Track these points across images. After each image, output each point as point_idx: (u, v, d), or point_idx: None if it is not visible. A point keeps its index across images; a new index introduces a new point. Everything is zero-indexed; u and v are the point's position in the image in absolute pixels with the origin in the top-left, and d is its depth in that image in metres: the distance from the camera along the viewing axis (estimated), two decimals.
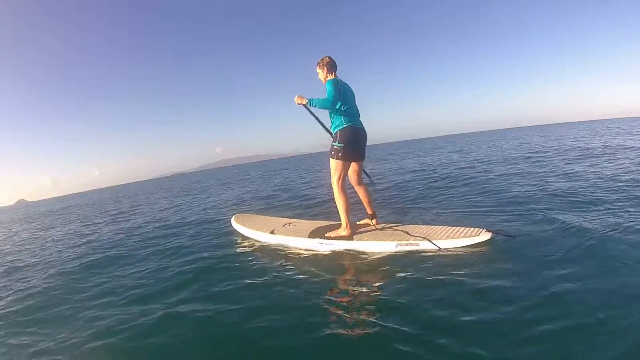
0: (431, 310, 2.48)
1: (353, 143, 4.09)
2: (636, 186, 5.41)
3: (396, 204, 6.40)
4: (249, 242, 4.97)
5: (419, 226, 4.23)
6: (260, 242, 4.83)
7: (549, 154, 12.07)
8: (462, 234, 3.68)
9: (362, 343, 2.28)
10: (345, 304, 2.79)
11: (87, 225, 10.72)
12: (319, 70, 4.26)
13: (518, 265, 3.00)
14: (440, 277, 2.95)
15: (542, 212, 4.53)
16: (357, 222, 4.66)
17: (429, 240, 3.66)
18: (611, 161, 8.52)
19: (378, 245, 3.86)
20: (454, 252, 3.47)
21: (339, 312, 2.67)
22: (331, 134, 4.27)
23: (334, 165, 4.13)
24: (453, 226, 3.99)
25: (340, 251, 3.99)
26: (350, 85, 4.21)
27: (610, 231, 3.53)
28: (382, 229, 4.31)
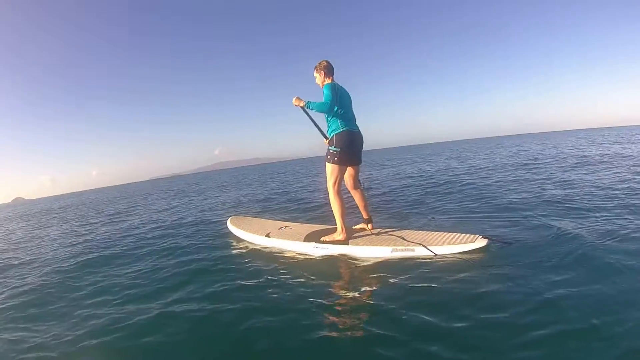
0: (424, 316, 2.47)
1: (349, 147, 4.10)
2: (632, 194, 5.44)
3: (392, 209, 6.41)
4: (244, 244, 4.96)
5: (415, 231, 4.22)
6: (255, 244, 4.83)
7: (546, 161, 12.12)
8: (458, 240, 3.68)
9: (354, 347, 2.28)
10: (338, 308, 2.79)
11: (84, 225, 10.70)
12: (316, 74, 4.27)
13: (513, 272, 3.00)
14: (434, 283, 2.95)
15: (538, 218, 4.56)
16: (353, 227, 4.66)
17: (424, 246, 3.65)
18: (608, 169, 8.56)
19: (373, 250, 3.85)
20: (450, 259, 3.47)
21: (332, 315, 2.67)
22: (326, 137, 4.28)
23: (330, 169, 4.13)
24: (449, 232, 3.99)
25: (335, 255, 3.99)
26: (347, 90, 4.22)
27: (605, 238, 3.55)
28: (377, 233, 4.30)
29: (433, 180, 9.96)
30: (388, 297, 2.83)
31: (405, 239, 3.90)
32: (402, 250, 3.72)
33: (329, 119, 4.13)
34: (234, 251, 4.73)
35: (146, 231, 7.38)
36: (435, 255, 3.56)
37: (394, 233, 4.20)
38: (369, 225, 4.47)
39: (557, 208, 5.08)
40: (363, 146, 4.31)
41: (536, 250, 3.44)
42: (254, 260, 4.20)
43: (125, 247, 5.94)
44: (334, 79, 4.24)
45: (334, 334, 2.42)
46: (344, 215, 4.18)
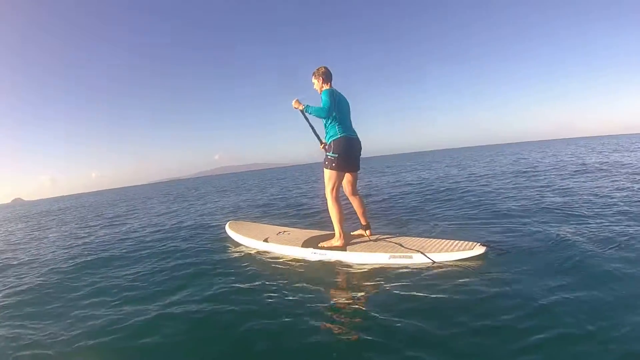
0: (421, 323, 2.47)
1: (347, 153, 4.11)
2: (630, 202, 5.48)
3: (391, 216, 6.42)
4: (242, 249, 4.97)
5: (413, 238, 4.22)
6: (254, 249, 4.83)
7: (546, 169, 12.18)
8: (457, 248, 3.68)
9: (349, 353, 2.29)
10: (335, 314, 2.80)
11: (83, 227, 10.69)
12: (314, 80, 4.30)
13: (511, 279, 3.00)
14: (432, 291, 2.95)
15: (537, 226, 4.59)
16: (351, 233, 4.66)
17: (422, 253, 3.65)
18: (607, 177, 8.63)
19: (371, 257, 3.84)
20: (448, 266, 3.47)
21: (328, 321, 2.67)
22: (321, 142, 4.31)
23: (328, 175, 4.14)
24: (447, 239, 3.99)
25: (333, 261, 3.99)
26: (345, 97, 4.23)
27: (603, 246, 3.59)
28: (375, 240, 4.30)
29: (432, 188, 9.98)
30: (385, 303, 2.83)
31: (403, 246, 3.90)
32: (399, 257, 3.71)
33: (327, 125, 4.14)
34: (232, 255, 4.73)
35: (145, 234, 7.37)
36: (433, 262, 3.56)
37: (392, 239, 4.20)
38: (367, 232, 4.47)
39: (555, 215, 5.12)
40: (361, 152, 4.32)
41: (534, 258, 3.45)
42: (251, 265, 4.21)
43: (124, 250, 5.93)
44: (332, 85, 4.26)
45: (330, 339, 2.42)
46: (342, 221, 4.18)
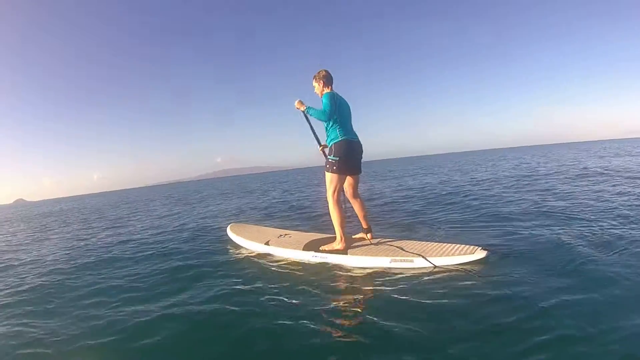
0: (420, 327, 2.46)
1: (348, 156, 4.11)
2: (630, 207, 5.50)
3: (392, 219, 6.42)
4: (244, 251, 4.98)
5: (414, 242, 4.22)
6: (255, 252, 4.83)
7: (547, 173, 12.20)
8: (458, 252, 3.67)
9: (348, 355, 2.29)
10: (334, 317, 2.78)
11: (85, 228, 10.71)
12: (315, 84, 4.31)
13: (512, 283, 3.00)
14: (432, 295, 2.94)
15: (538, 229, 4.61)
16: (352, 236, 4.67)
17: (423, 257, 3.64)
18: (608, 182, 8.65)
19: (372, 261, 3.84)
20: (448, 270, 3.46)
21: (327, 324, 2.66)
22: (320, 144, 4.36)
23: (329, 178, 4.14)
24: (449, 243, 3.99)
25: (333, 264, 3.99)
26: (346, 100, 4.25)
27: (603, 249, 3.62)
28: (377, 243, 4.30)
29: (435, 192, 9.99)
30: (385, 307, 2.82)
31: (404, 250, 3.90)
32: (400, 260, 3.71)
33: (328, 128, 4.15)
34: (233, 258, 4.75)
35: (147, 236, 7.39)
36: (435, 266, 3.55)
37: (393, 243, 4.20)
38: (369, 235, 4.47)
39: (556, 219, 5.13)
40: (362, 156, 4.32)
41: (535, 261, 3.46)
42: (252, 267, 4.21)
43: (125, 251, 5.95)
44: (333, 88, 4.27)
45: (330, 342, 2.42)
46: (343, 224, 4.19)
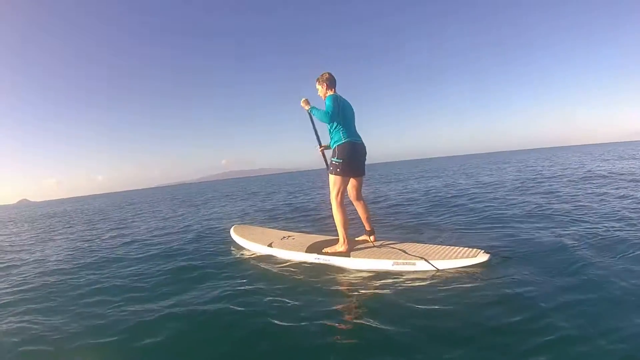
0: (421, 330, 2.46)
1: (352, 158, 4.11)
2: (632, 210, 5.51)
3: (396, 222, 6.42)
4: (247, 252, 4.99)
5: (417, 245, 4.21)
6: (258, 253, 4.84)
7: (551, 176, 12.21)
8: (460, 255, 3.67)
9: (348, 357, 2.30)
10: (335, 319, 2.79)
11: (90, 229, 10.76)
12: (318, 86, 4.32)
13: (513, 287, 2.99)
14: (433, 298, 2.93)
15: (540, 232, 4.63)
16: (355, 239, 4.66)
17: (426, 260, 3.63)
18: (610, 185, 8.66)
19: (374, 263, 3.84)
20: (450, 273, 3.45)
21: (328, 326, 2.66)
22: (320, 144, 4.42)
23: (333, 180, 4.14)
24: (451, 246, 3.99)
25: (336, 267, 3.99)
26: (350, 102, 4.26)
27: (605, 252, 3.64)
28: (379, 246, 4.30)
29: (439, 195, 9.97)
30: (386, 310, 2.82)
31: (406, 253, 3.90)
32: (403, 263, 3.70)
33: (331, 130, 4.16)
34: (237, 259, 4.76)
35: (151, 237, 7.43)
36: (437, 269, 3.55)
37: (396, 246, 4.20)
38: (372, 237, 4.47)
39: (559, 222, 5.14)
40: (366, 158, 4.33)
41: (538, 264, 3.45)
42: (255, 269, 4.23)
43: (129, 252, 5.98)
44: (336, 90, 4.29)
45: (330, 344, 2.43)
46: (346, 226, 4.18)
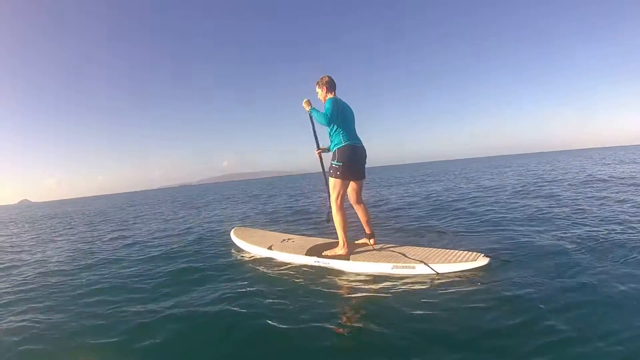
0: (419, 335, 2.45)
1: (352, 161, 4.12)
2: (631, 213, 5.55)
3: (397, 224, 6.43)
4: (247, 255, 5.00)
5: (417, 248, 4.21)
6: (258, 256, 4.85)
7: (552, 180, 12.25)
8: (460, 258, 3.66)
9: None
10: (334, 321, 2.78)
11: (90, 230, 10.78)
12: (318, 90, 4.34)
13: (512, 291, 2.99)
14: (432, 302, 2.93)
15: (540, 235, 4.65)
16: (355, 242, 4.66)
17: (425, 263, 3.63)
18: (610, 189, 8.70)
19: (374, 267, 3.84)
20: (450, 277, 3.45)
21: (326, 328, 2.67)
22: (318, 147, 4.44)
23: (333, 183, 4.15)
24: (451, 249, 3.99)
25: (335, 269, 4.00)
26: (350, 106, 4.28)
27: (604, 255, 3.67)
28: (379, 249, 4.29)
29: (440, 199, 9.97)
30: (385, 314, 2.82)
31: (406, 256, 3.89)
32: (402, 267, 3.70)
33: (331, 133, 4.17)
34: (237, 261, 4.77)
35: (152, 239, 7.44)
36: (437, 273, 3.55)
37: (396, 249, 4.19)
38: (371, 241, 4.47)
39: (560, 226, 5.16)
40: (367, 161, 4.33)
41: (538, 268, 3.46)
42: (255, 271, 4.23)
43: (131, 254, 5.99)
44: (336, 93, 4.30)
45: (328, 346, 2.43)
46: (346, 229, 4.19)
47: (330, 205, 4.24)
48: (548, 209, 6.62)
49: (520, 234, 4.82)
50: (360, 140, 4.25)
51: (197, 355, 2.50)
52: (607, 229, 4.67)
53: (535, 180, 12.73)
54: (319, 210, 9.64)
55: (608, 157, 26.67)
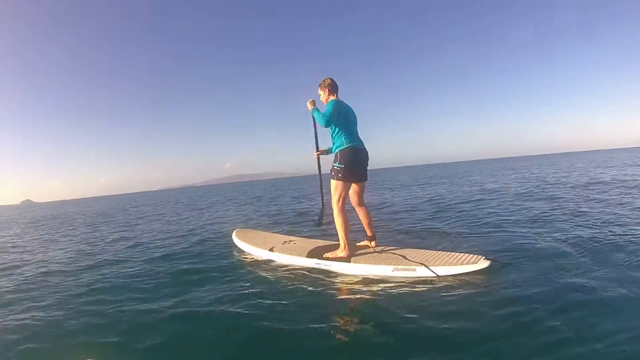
0: (418, 337, 2.45)
1: (353, 164, 4.13)
2: (634, 216, 5.53)
3: (399, 227, 6.44)
4: (248, 256, 5.02)
5: (418, 250, 4.22)
6: (259, 258, 4.86)
7: (555, 182, 12.28)
8: (460, 261, 3.66)
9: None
10: (333, 323, 2.80)
11: (92, 231, 10.79)
12: (320, 92, 4.36)
13: (512, 293, 2.99)
14: (432, 305, 2.92)
15: (541, 238, 4.67)
16: (357, 244, 4.67)
17: (426, 266, 3.63)
18: (614, 191, 8.73)
19: (374, 269, 3.84)
20: (450, 280, 3.45)
21: (326, 330, 2.67)
22: (317, 149, 4.47)
23: (334, 185, 4.16)
24: (452, 252, 3.99)
25: (336, 272, 4.00)
26: (352, 108, 4.29)
27: (605, 257, 3.69)
28: (380, 251, 4.30)
29: (443, 202, 9.96)
30: (384, 316, 2.82)
31: (407, 259, 3.90)
32: (403, 269, 3.70)
33: (333, 135, 4.18)
34: (238, 263, 4.78)
35: (155, 240, 7.46)
36: (437, 276, 3.55)
37: (397, 252, 4.20)
38: (373, 243, 4.48)
39: (561, 228, 5.16)
40: (369, 163, 4.34)
41: (538, 270, 3.46)
42: (256, 273, 4.24)
43: (132, 254, 6.02)
44: (338, 96, 4.32)
45: (327, 348, 2.44)
46: (347, 232, 4.20)
47: (323, 207, 4.25)
48: (550, 211, 6.63)
49: (521, 237, 4.83)
50: (362, 143, 4.26)
51: (198, 355, 2.51)
52: (608, 232, 4.67)
53: (538, 183, 12.74)
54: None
55: (611, 160, 26.59)
